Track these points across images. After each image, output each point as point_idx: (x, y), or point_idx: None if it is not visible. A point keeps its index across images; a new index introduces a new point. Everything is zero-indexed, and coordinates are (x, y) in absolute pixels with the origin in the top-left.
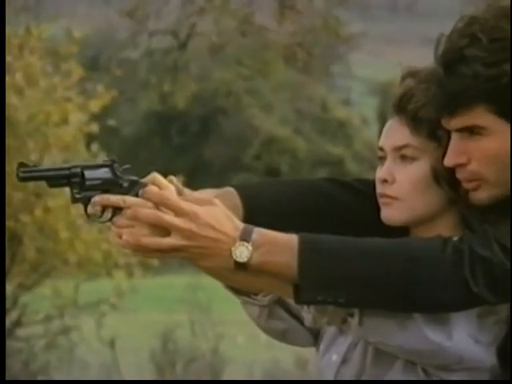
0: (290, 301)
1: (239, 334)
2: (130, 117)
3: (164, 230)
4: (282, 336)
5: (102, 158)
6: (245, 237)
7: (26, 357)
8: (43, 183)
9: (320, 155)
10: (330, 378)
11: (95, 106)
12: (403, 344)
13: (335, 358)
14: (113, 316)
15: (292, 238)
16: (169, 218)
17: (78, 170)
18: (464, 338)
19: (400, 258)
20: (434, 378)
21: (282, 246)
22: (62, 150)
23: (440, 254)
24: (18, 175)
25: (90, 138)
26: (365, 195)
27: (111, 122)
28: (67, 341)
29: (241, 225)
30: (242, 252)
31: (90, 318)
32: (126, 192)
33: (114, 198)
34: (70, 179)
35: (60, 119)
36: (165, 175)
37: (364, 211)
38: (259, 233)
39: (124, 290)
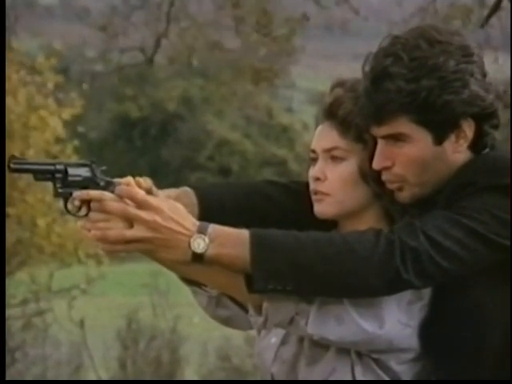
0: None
1: (194, 315)
2: (96, 122)
3: (131, 225)
4: (227, 321)
5: (74, 159)
6: (201, 230)
7: (5, 336)
8: (17, 181)
9: (266, 156)
10: (271, 357)
11: (67, 113)
12: (342, 337)
13: (274, 340)
14: (83, 299)
15: (243, 233)
16: (134, 210)
17: (62, 166)
18: (394, 325)
19: (338, 249)
20: (365, 358)
21: (234, 239)
22: (39, 152)
23: (373, 245)
24: (9, 166)
25: (62, 141)
26: (299, 194)
27: (81, 128)
28: (42, 321)
29: (197, 221)
30: (200, 244)
31: (62, 302)
32: (102, 190)
33: (94, 193)
34: (55, 174)
35: (37, 124)
36: (128, 174)
37: (297, 208)
38: (214, 227)
39: (93, 277)
